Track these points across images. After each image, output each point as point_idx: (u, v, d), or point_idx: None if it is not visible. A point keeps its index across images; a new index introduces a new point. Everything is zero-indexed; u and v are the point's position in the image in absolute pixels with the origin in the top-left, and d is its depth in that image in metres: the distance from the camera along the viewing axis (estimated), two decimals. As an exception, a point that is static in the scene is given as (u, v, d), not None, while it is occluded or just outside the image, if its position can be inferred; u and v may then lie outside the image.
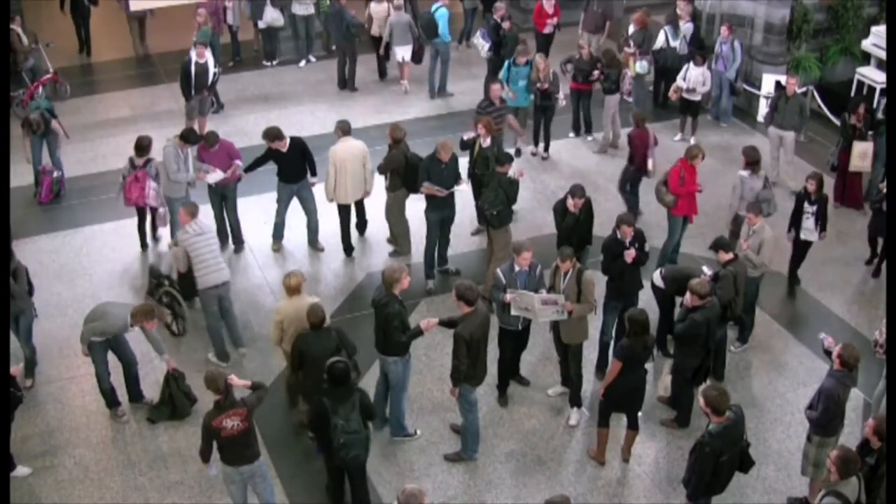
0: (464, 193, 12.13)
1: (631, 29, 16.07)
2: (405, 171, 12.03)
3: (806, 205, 11.66)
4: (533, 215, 13.12)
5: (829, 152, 14.28)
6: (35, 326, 11.33)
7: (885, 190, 11.80)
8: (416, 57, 17.00)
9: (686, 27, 16.07)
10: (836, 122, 14.49)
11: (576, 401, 10.08)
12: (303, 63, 18.21)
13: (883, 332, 9.59)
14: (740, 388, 10.49)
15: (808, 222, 11.67)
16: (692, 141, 15.29)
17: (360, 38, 17.00)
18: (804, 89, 15.00)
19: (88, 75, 17.65)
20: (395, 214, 12.44)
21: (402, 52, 16.76)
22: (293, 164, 12.24)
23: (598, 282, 9.99)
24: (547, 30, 17.25)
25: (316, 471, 9.44)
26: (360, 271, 12.30)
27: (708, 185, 12.56)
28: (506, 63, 14.79)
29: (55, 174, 13.68)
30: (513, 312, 9.67)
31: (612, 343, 10.41)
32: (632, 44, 15.88)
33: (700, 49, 15.77)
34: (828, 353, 8.99)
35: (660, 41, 16.04)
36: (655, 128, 15.63)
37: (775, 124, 14.01)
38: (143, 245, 12.72)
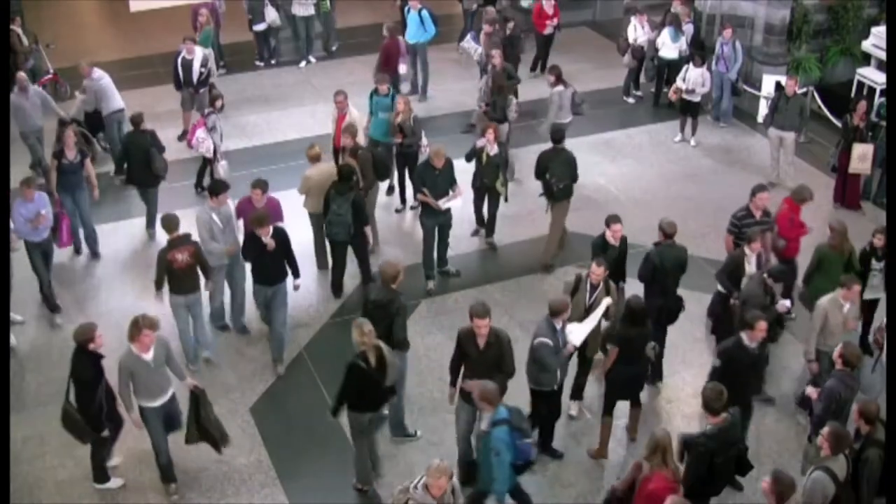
0: (463, 195, 12.00)
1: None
2: (374, 165, 12.00)
3: (873, 261, 10.42)
4: (532, 217, 13.10)
5: (830, 153, 14.29)
6: (35, 327, 11.37)
7: None
8: None
9: (686, 28, 16.10)
10: (837, 123, 14.49)
11: (576, 395, 10.12)
12: (303, 64, 18.22)
13: (884, 331, 9.60)
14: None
15: (875, 280, 10.43)
16: (692, 142, 15.34)
17: None
18: (804, 90, 15.01)
19: (89, 76, 17.60)
20: (370, 212, 12.09)
21: None
22: (271, 261, 10.26)
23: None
24: (547, 31, 17.28)
25: (316, 471, 9.47)
26: (358, 273, 12.20)
27: (708, 185, 12.60)
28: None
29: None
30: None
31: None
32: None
33: (700, 50, 15.78)
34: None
35: (660, 42, 16.10)
36: (655, 128, 15.71)
37: (775, 125, 14.01)
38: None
